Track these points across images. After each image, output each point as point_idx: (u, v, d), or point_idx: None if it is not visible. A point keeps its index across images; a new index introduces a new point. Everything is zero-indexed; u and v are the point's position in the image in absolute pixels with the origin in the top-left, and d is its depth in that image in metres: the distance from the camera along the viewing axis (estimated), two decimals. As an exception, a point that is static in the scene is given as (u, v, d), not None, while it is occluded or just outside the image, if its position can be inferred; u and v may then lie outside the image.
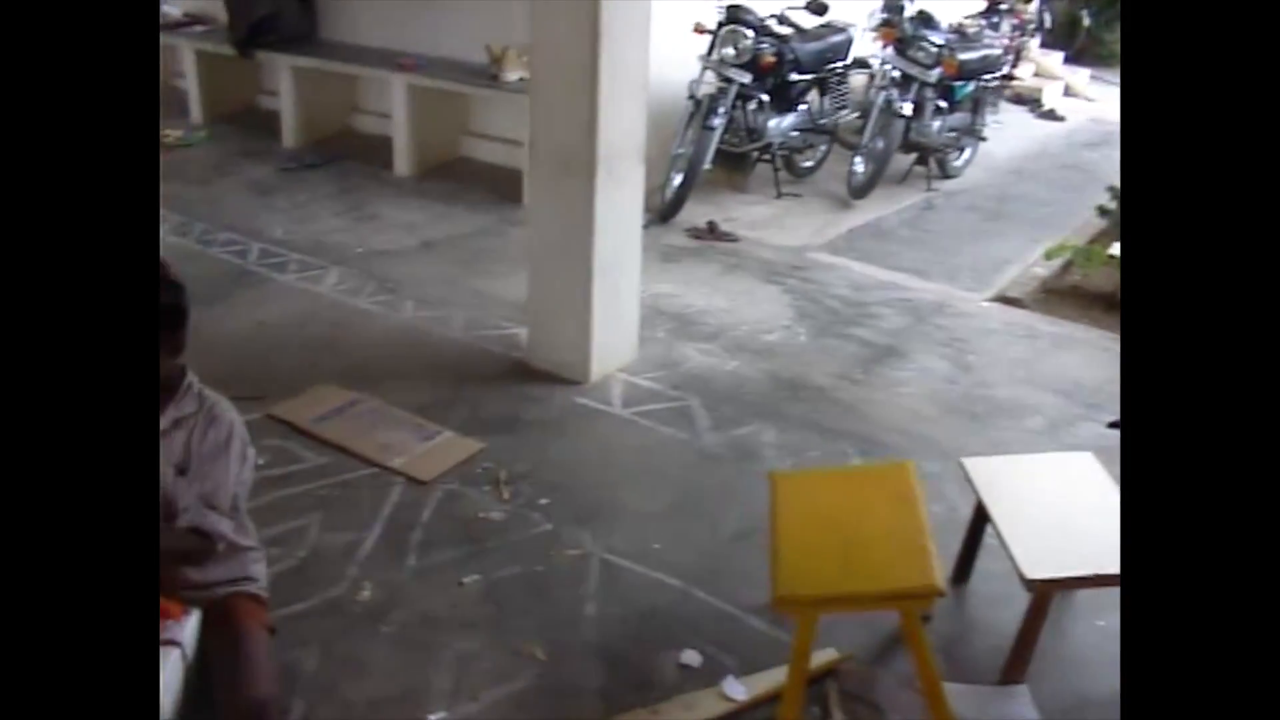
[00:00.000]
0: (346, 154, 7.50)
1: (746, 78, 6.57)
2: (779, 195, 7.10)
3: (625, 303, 4.53)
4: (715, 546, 3.51)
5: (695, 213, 6.47)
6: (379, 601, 3.18)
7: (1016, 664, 2.95)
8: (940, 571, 2.62)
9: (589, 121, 4.08)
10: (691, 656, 3.04)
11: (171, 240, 6.01)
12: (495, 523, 3.55)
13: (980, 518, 3.26)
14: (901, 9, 7.30)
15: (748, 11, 6.70)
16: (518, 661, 2.98)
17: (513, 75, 6.64)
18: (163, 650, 2.67)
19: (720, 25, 6.66)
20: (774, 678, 2.93)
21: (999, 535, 2.90)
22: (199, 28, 8.40)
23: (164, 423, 2.72)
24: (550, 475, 3.81)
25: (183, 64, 8.46)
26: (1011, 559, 2.79)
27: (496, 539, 3.47)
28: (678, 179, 6.42)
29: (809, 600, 2.69)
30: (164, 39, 7.77)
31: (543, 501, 3.65)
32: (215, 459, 2.70)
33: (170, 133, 7.83)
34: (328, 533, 3.47)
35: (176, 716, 2.69)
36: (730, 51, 6.60)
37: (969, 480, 3.17)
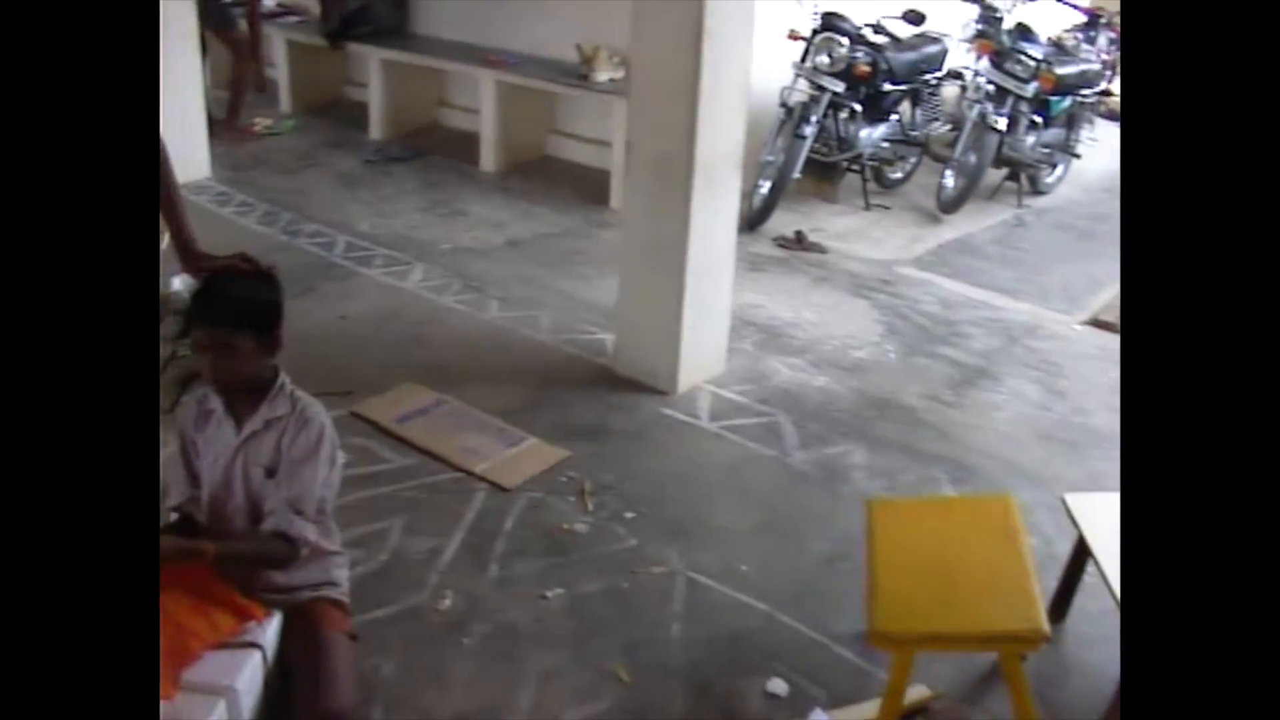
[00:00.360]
0: (432, 148, 7.49)
1: (840, 86, 6.45)
2: (867, 207, 6.97)
3: (715, 313, 4.44)
4: (803, 570, 3.41)
5: (782, 221, 6.37)
6: (460, 611, 3.12)
7: (1119, 711, 2.83)
8: (1044, 614, 2.52)
9: (688, 126, 4.00)
10: (778, 685, 2.94)
11: (258, 229, 6.04)
12: (579, 535, 3.47)
13: (1081, 554, 3.14)
14: (999, 20, 7.13)
15: (843, 19, 6.59)
16: (601, 682, 2.90)
17: (603, 76, 6.59)
18: (244, 652, 2.64)
19: (815, 32, 6.55)
20: (863, 713, 2.83)
21: (1103, 576, 2.77)
22: (292, 18, 8.44)
23: (256, 423, 2.69)
24: (636, 488, 3.73)
25: (274, 54, 8.53)
26: (1117, 601, 2.67)
27: (580, 552, 3.40)
28: (766, 187, 6.33)
29: (908, 638, 2.59)
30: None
31: (628, 515, 3.57)
32: (304, 463, 2.66)
33: (260, 121, 7.87)
34: (410, 537, 3.42)
35: (257, 717, 2.66)
36: (824, 59, 6.49)
37: (1071, 517, 3.04)
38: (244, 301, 2.57)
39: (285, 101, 8.50)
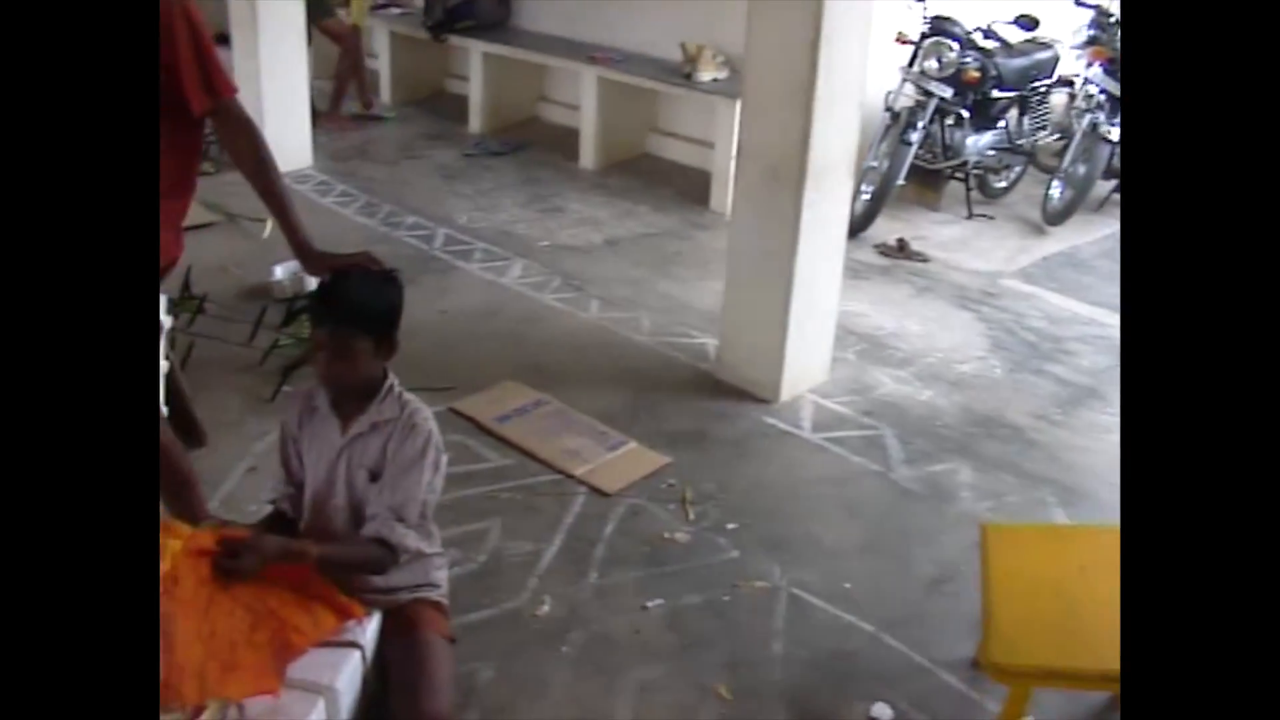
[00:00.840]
0: (531, 143, 7.48)
1: (948, 92, 6.31)
2: (970, 216, 6.82)
3: (821, 321, 4.35)
4: (909, 591, 3.32)
5: (884, 229, 6.25)
6: (559, 618, 3.08)
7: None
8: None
9: (802, 130, 3.92)
10: (882, 710, 2.85)
11: (359, 220, 6.06)
12: (680, 545, 3.41)
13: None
14: (1114, 25, 6.93)
15: (953, 23, 6.44)
16: (701, 698, 2.84)
17: (706, 76, 6.51)
18: (344, 651, 2.62)
19: (924, 36, 6.41)
20: (973, 744, 2.75)
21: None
22: (395, 10, 8.48)
23: (362, 425, 2.66)
24: (737, 498, 3.66)
25: (377, 45, 8.58)
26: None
27: (681, 562, 3.33)
28: (869, 193, 6.21)
29: (1026, 671, 2.50)
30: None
31: (730, 526, 3.50)
32: (409, 470, 2.63)
33: (360, 111, 7.94)
34: (508, 540, 3.38)
35: (355, 717, 2.64)
36: (933, 64, 6.35)
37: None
38: (367, 303, 2.54)
39: (386, 93, 8.55)
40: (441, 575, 2.89)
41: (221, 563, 2.39)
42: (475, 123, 7.82)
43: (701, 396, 4.28)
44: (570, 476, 3.68)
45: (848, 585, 3.30)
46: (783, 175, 4.00)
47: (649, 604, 3.14)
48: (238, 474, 3.69)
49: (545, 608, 3.11)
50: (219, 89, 2.79)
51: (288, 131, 6.99)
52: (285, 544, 2.54)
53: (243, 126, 2.88)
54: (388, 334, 2.60)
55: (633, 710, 2.78)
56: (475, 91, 7.82)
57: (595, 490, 3.62)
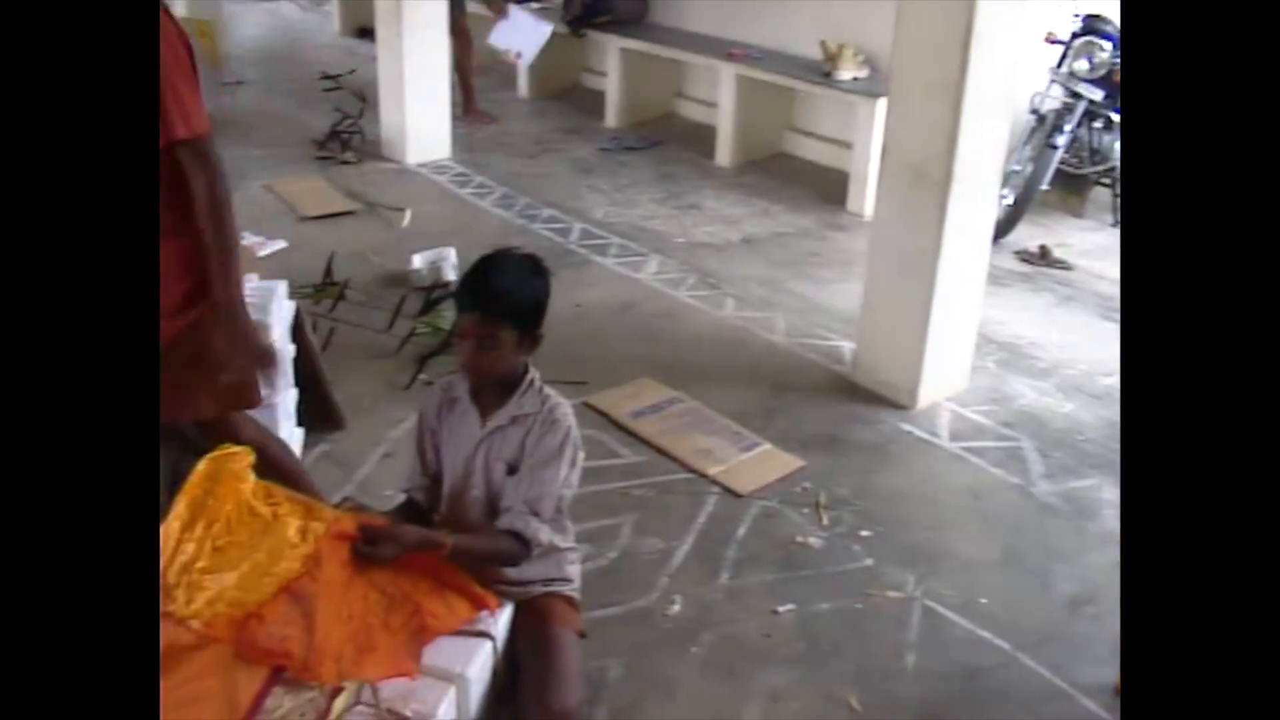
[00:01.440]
0: (667, 139, 7.47)
1: (1098, 94, 6.11)
2: (1116, 223, 6.60)
3: (962, 328, 4.25)
4: (1048, 610, 3.21)
5: (1026, 235, 6.09)
6: (689, 618, 3.05)
7: None
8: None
9: (949, 130, 3.83)
10: (1019, 733, 2.78)
11: (496, 213, 6.12)
12: (813, 550, 3.36)
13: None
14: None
15: (1106, 21, 6.23)
16: (830, 708, 2.79)
17: (846, 74, 6.42)
18: (476, 641, 2.63)
19: (1074, 36, 6.22)
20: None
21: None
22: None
23: (502, 418, 2.67)
24: (872, 505, 3.59)
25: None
26: None
27: (813, 568, 3.28)
28: (1011, 198, 6.05)
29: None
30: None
31: (864, 533, 3.44)
32: (546, 465, 2.63)
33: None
34: (640, 536, 3.37)
35: (484, 707, 2.65)
36: (1083, 64, 6.15)
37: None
38: (514, 294, 2.54)
39: (523, 87, 8.63)
40: (574, 570, 2.89)
41: (360, 549, 2.42)
42: (612, 118, 7.84)
43: (837, 400, 4.21)
44: (703, 476, 3.65)
45: (984, 600, 3.21)
46: (927, 176, 3.92)
47: (780, 608, 3.10)
48: (374, 459, 3.74)
49: (676, 607, 3.09)
50: (194, 122, 2.50)
51: (427, 123, 7.10)
52: (422, 534, 2.56)
53: (205, 169, 2.56)
54: (533, 327, 2.60)
55: (761, 715, 2.75)
56: (612, 87, 7.84)
57: (728, 491, 3.59)
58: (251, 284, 3.49)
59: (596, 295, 5.04)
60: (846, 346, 4.56)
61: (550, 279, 2.63)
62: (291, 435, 3.66)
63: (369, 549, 2.42)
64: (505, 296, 2.52)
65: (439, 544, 2.53)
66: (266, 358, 2.80)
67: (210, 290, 2.57)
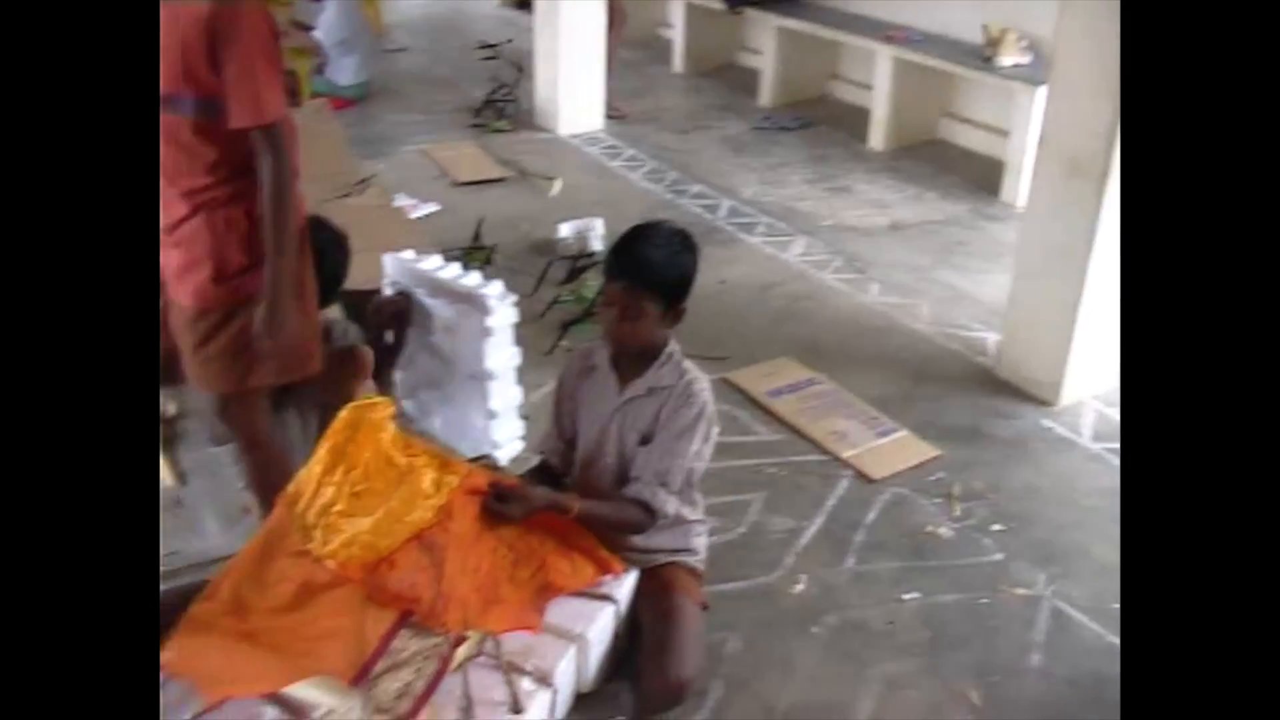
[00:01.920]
0: (820, 120, 7.40)
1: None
2: None
3: (1112, 325, 4.13)
4: (1184, 619, 3.12)
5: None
6: (813, 598, 3.05)
7: None
8: None
9: (1110, 123, 3.72)
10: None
11: (645, 186, 6.16)
12: (943, 540, 3.32)
13: None
14: None
15: None
16: (949, 700, 2.76)
17: (1007, 60, 6.26)
18: (599, 604, 2.67)
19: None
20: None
21: None
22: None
23: (639, 388, 2.70)
24: (1007, 500, 3.53)
25: (672, 16, 8.68)
26: None
27: (942, 558, 3.24)
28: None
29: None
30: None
31: (996, 528, 3.38)
32: (680, 438, 2.65)
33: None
34: (769, 514, 3.38)
35: (602, 669, 2.70)
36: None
37: None
38: (662, 267, 2.56)
39: (678, 63, 8.65)
40: (701, 542, 2.91)
41: (490, 505, 2.48)
42: (765, 97, 7.80)
43: (978, 392, 4.14)
44: (836, 458, 3.64)
45: (1116, 606, 3.13)
46: (1085, 168, 3.81)
47: (905, 596, 3.08)
48: (513, 420, 3.82)
49: (800, 586, 3.09)
50: (266, 110, 2.52)
51: (581, 94, 7.17)
52: (550, 496, 2.61)
53: (271, 154, 2.57)
54: (677, 301, 2.62)
55: (877, 702, 2.73)
56: (767, 65, 7.80)
57: (861, 475, 3.57)
58: (406, 255, 3.58)
59: (741, 273, 5.04)
60: (991, 338, 4.47)
61: (698, 255, 2.64)
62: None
63: (498, 506, 2.48)
64: (653, 268, 2.54)
65: (566, 507, 2.57)
66: (306, 343, 2.83)
67: (269, 263, 2.61)
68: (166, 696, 2.39)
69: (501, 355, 3.44)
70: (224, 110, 2.46)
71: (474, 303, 3.34)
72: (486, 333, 3.34)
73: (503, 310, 3.37)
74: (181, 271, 2.58)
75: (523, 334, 4.38)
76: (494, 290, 3.35)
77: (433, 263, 3.54)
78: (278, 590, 2.28)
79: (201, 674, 2.25)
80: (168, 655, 2.25)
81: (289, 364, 2.78)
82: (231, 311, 2.64)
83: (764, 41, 7.83)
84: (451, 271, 3.48)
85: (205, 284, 2.59)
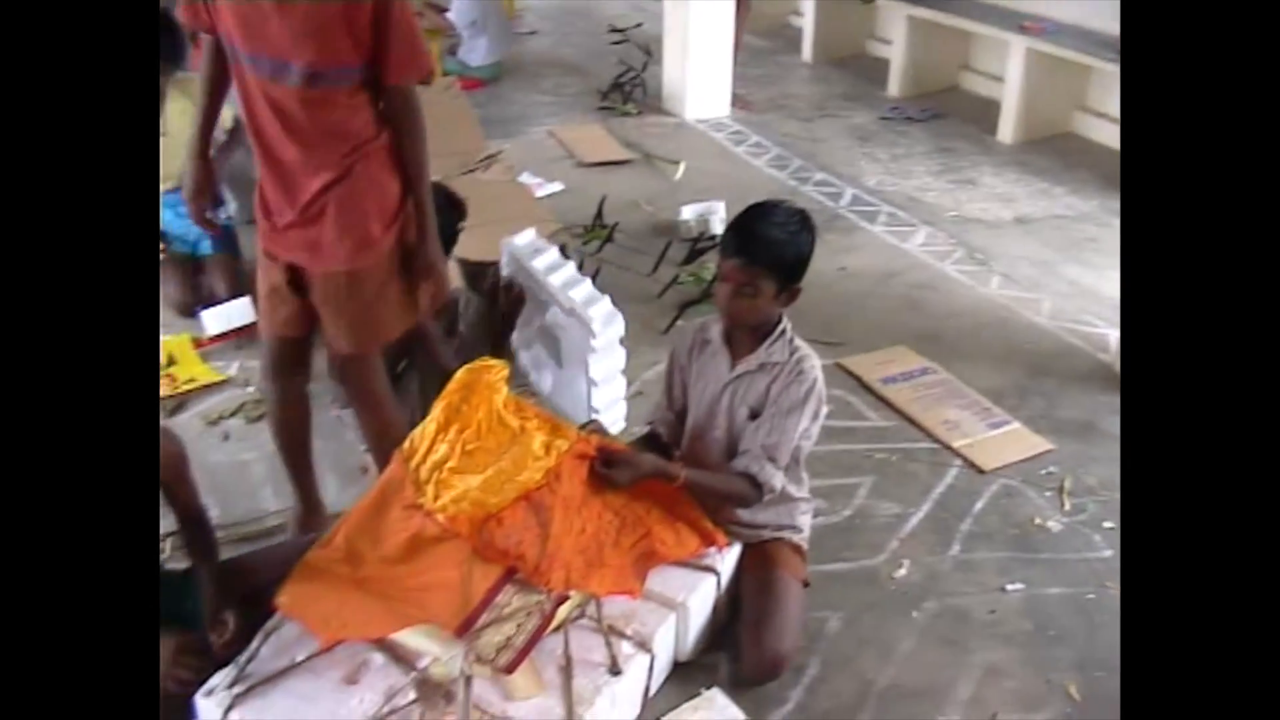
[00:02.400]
0: (949, 112, 7.31)
1: None
2: None
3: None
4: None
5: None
6: (915, 583, 3.05)
7: None
8: None
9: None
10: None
11: (769, 173, 6.17)
12: (1051, 533, 3.28)
13: None
14: None
15: None
16: (1047, 692, 2.73)
17: (1147, 53, 6.10)
18: (700, 574, 2.73)
19: None
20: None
21: None
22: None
23: (750, 364, 2.74)
24: (1119, 498, 3.47)
25: (802, 4, 8.66)
26: None
27: (1049, 551, 3.21)
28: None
29: None
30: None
31: (1107, 525, 3.33)
32: (789, 414, 2.69)
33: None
34: (876, 499, 3.38)
35: (700, 639, 2.75)
36: None
37: None
38: (779, 245, 2.59)
39: (807, 51, 8.62)
40: (805, 520, 2.94)
41: (599, 470, 2.55)
42: (894, 87, 7.73)
43: (1096, 388, 4.06)
44: (947, 447, 3.62)
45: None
46: (1220, 165, 3.72)
47: (1009, 586, 3.05)
48: (627, 393, 3.89)
49: (903, 571, 3.09)
50: (424, 63, 2.70)
51: (708, 79, 7.20)
52: (658, 463, 2.66)
53: (416, 107, 2.70)
54: (793, 280, 2.65)
55: (975, 689, 2.72)
56: (897, 55, 7.72)
57: (971, 465, 3.54)
58: (523, 243, 3.67)
59: (861, 261, 5.03)
60: (1114, 335, 4.39)
61: (816, 235, 2.66)
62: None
63: (607, 471, 2.55)
64: (769, 246, 2.58)
65: (673, 475, 2.63)
66: (445, 276, 2.93)
67: (416, 199, 2.73)
68: (283, 636, 2.52)
69: (606, 364, 3.49)
70: (380, 72, 2.57)
71: (580, 319, 3.39)
72: (591, 350, 3.39)
73: (608, 331, 3.41)
74: (337, 237, 2.67)
75: (639, 312, 4.46)
76: (600, 311, 3.37)
77: (547, 259, 3.60)
78: (390, 541, 2.37)
79: (314, 617, 2.37)
80: (283, 599, 2.37)
81: (437, 297, 2.89)
82: (388, 265, 2.76)
83: (894, 31, 7.76)
84: (564, 275, 3.53)
85: (364, 241, 2.68)
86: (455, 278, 3.52)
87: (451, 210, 3.29)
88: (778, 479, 2.70)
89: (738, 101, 7.40)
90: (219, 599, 2.47)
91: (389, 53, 2.56)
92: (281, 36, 2.45)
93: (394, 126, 2.66)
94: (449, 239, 3.22)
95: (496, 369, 2.52)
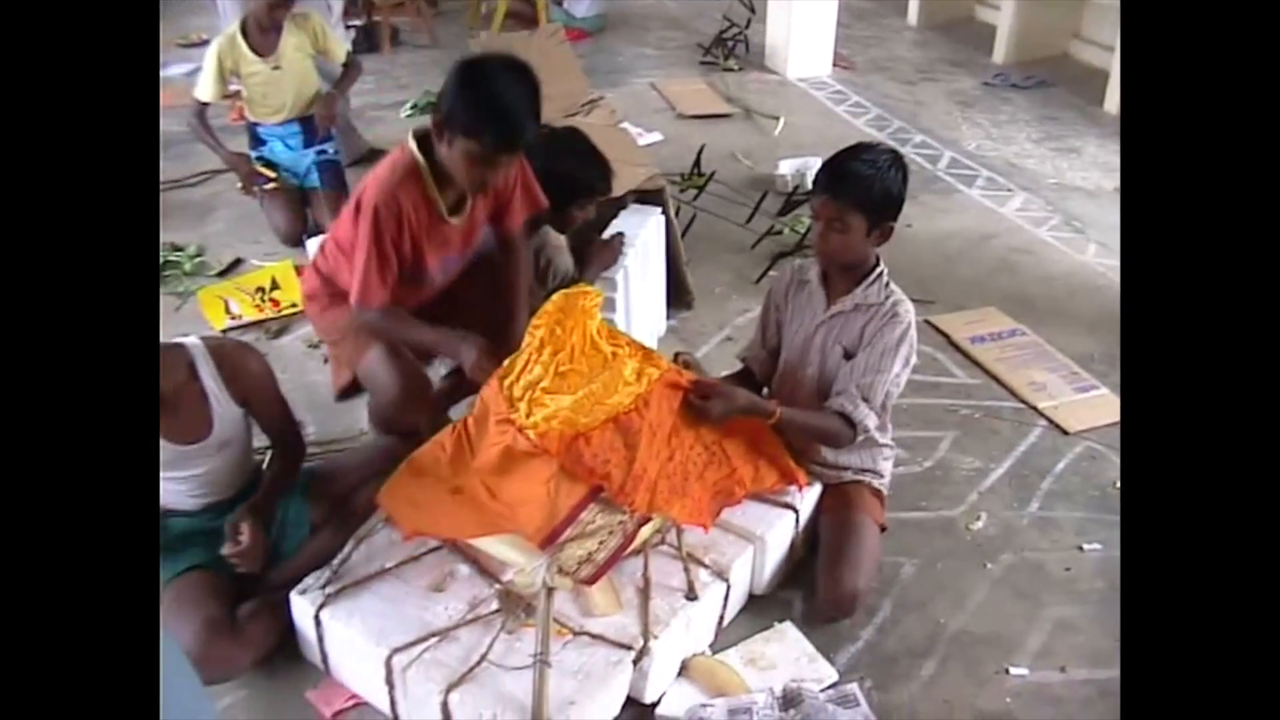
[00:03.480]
0: (1056, 80, 7.20)
1: None
2: None
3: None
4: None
5: None
6: (992, 536, 3.08)
7: None
8: None
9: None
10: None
11: (868, 132, 6.18)
12: (1131, 498, 3.28)
13: None
14: None
15: None
16: (1115, 650, 2.75)
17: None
18: (780, 511, 2.79)
19: None
20: None
21: None
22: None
23: (846, 304, 2.78)
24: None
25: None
26: None
27: (1128, 515, 3.21)
28: None
29: None
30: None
31: (1190, 492, 3.32)
32: (883, 355, 2.72)
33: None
34: (958, 453, 3.40)
35: (777, 574, 2.81)
36: None
37: None
38: (867, 181, 2.62)
39: (913, 14, 8.54)
40: (886, 466, 2.98)
41: (693, 400, 2.60)
42: (1000, 54, 7.63)
43: (1188, 359, 4.04)
44: (1032, 408, 3.62)
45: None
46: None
47: (1086, 546, 3.06)
48: (715, 340, 3.95)
49: (980, 524, 3.12)
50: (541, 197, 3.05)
51: (811, 37, 7.18)
52: (753, 399, 2.71)
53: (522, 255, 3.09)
54: (883, 218, 2.67)
55: (1044, 642, 2.73)
56: (1005, 21, 7.62)
57: (1055, 426, 3.54)
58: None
59: (956, 223, 5.01)
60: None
61: (907, 175, 2.68)
62: (659, 309, 3.93)
63: (701, 403, 2.60)
64: (858, 182, 2.60)
65: (768, 411, 2.67)
66: None
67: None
68: (374, 544, 2.64)
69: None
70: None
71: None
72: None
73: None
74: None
75: (732, 261, 4.51)
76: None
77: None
78: (486, 454, 2.46)
79: (404, 512, 2.48)
80: (382, 493, 2.50)
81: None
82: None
83: (1003, -4, 7.66)
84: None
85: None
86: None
87: (590, 165, 3.37)
88: (871, 419, 2.73)
89: (839, 61, 7.37)
90: (247, 511, 2.58)
91: (515, 204, 2.96)
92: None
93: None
94: (585, 189, 3.35)
95: (592, 295, 2.59)
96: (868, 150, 2.68)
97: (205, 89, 4.66)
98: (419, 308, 2.92)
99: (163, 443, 2.51)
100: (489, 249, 3.06)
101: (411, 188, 2.74)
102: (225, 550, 2.50)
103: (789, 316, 2.92)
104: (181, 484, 2.59)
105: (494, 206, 2.95)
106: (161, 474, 2.56)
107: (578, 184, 3.27)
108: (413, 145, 2.75)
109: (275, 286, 4.28)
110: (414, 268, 2.84)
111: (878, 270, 2.77)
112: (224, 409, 2.57)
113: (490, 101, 2.54)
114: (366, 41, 7.61)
